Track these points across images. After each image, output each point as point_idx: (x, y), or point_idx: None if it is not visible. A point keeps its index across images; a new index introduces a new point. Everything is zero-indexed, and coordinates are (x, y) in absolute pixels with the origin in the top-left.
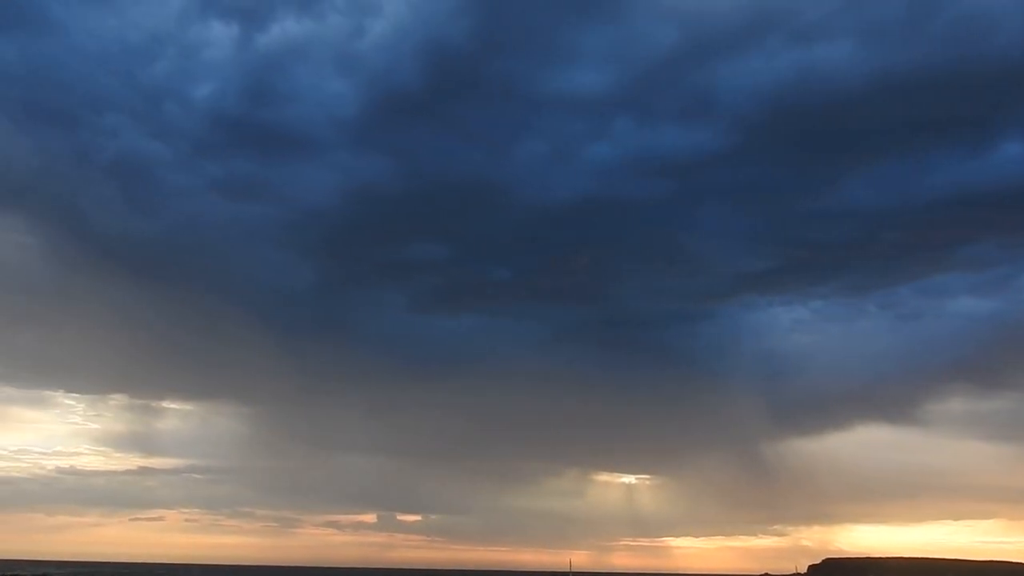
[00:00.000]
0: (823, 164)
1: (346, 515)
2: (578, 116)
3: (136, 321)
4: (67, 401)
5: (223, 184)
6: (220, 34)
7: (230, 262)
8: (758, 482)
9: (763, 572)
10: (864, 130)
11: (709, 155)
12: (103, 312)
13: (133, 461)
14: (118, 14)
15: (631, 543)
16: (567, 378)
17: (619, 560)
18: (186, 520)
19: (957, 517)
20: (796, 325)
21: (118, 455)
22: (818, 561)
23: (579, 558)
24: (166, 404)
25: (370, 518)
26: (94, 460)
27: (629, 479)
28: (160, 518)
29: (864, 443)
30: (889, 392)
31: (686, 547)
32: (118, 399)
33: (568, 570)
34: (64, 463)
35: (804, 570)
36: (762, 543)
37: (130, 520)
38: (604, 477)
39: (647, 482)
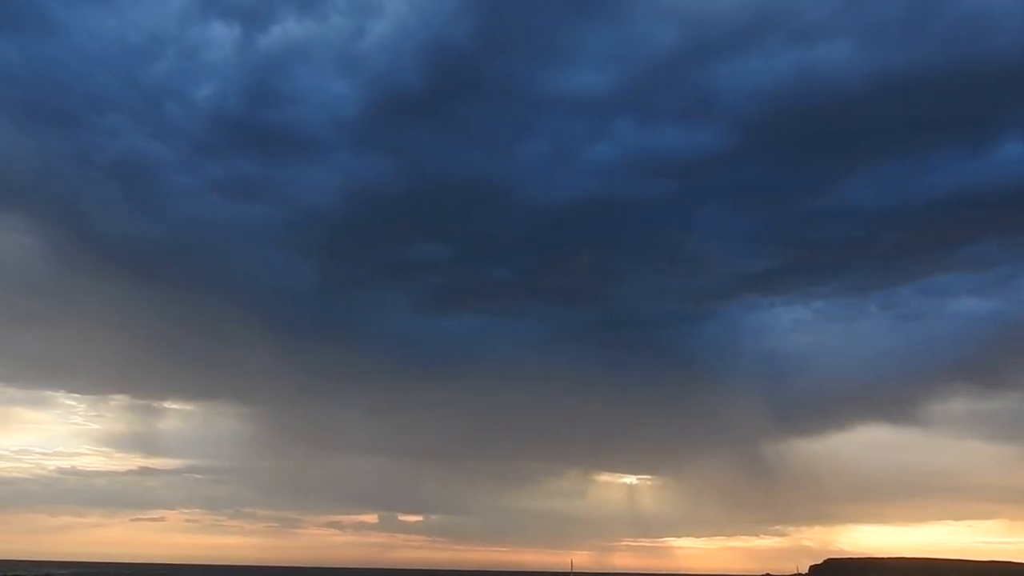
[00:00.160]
0: (823, 164)
1: (347, 515)
2: (579, 116)
3: (137, 321)
4: (68, 402)
5: (224, 184)
6: (221, 35)
7: (231, 262)
8: (759, 482)
9: (764, 572)
10: (864, 130)
11: (709, 155)
12: (104, 312)
13: (134, 461)
14: (119, 14)
15: (632, 543)
16: (568, 378)
17: (620, 560)
18: (187, 520)
19: (958, 517)
20: (797, 325)
21: (119, 455)
22: (819, 561)
23: (580, 558)
24: (167, 404)
25: (371, 518)
26: (95, 460)
27: (630, 479)
28: (161, 518)
29: (865, 443)
30: (890, 392)
31: (687, 547)
32: (119, 399)
33: (569, 570)
34: (65, 463)
35: (805, 570)
36: (763, 543)
37: (131, 520)
38: (605, 477)
39: (648, 482)
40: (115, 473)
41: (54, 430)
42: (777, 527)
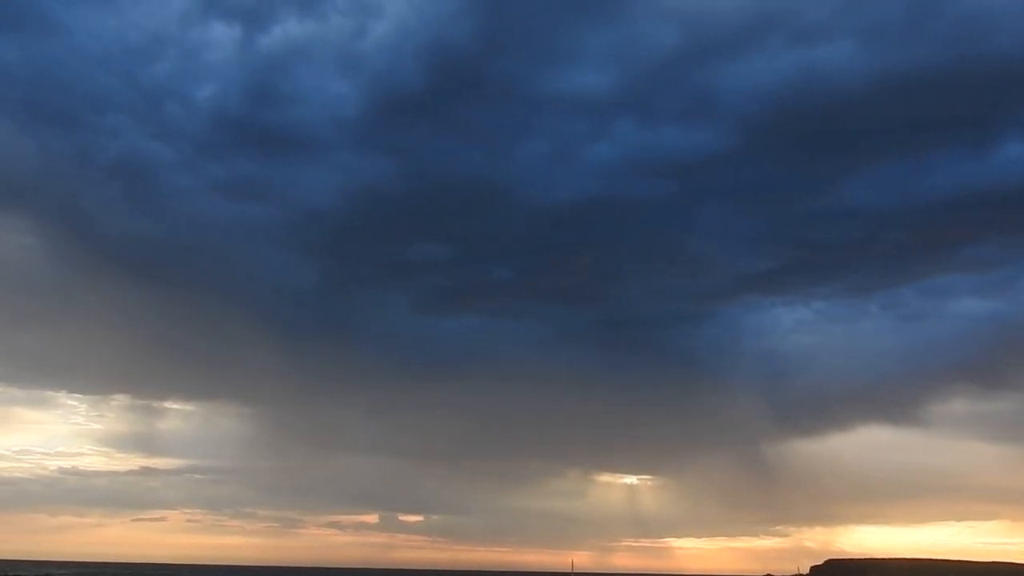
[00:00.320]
0: (824, 164)
1: (348, 515)
2: (579, 116)
3: (138, 322)
4: (69, 402)
5: (225, 185)
6: (222, 35)
7: (232, 262)
8: (760, 483)
9: (765, 573)
10: (865, 130)
11: (710, 155)
12: (105, 313)
13: (135, 461)
14: (119, 15)
15: (633, 544)
16: (568, 378)
17: (621, 561)
18: (188, 520)
19: (960, 518)
20: (798, 326)
21: (120, 455)
22: (820, 562)
23: (581, 559)
24: (168, 404)
25: (372, 518)
26: (96, 460)
27: (631, 479)
28: (162, 518)
29: (866, 444)
30: (891, 393)
31: (688, 548)
32: (120, 399)
33: (570, 570)
34: (66, 463)
35: (806, 571)
36: (764, 544)
37: (132, 520)
38: (606, 477)
39: (649, 483)
40: (116, 473)
41: (55, 430)
42: (778, 527)
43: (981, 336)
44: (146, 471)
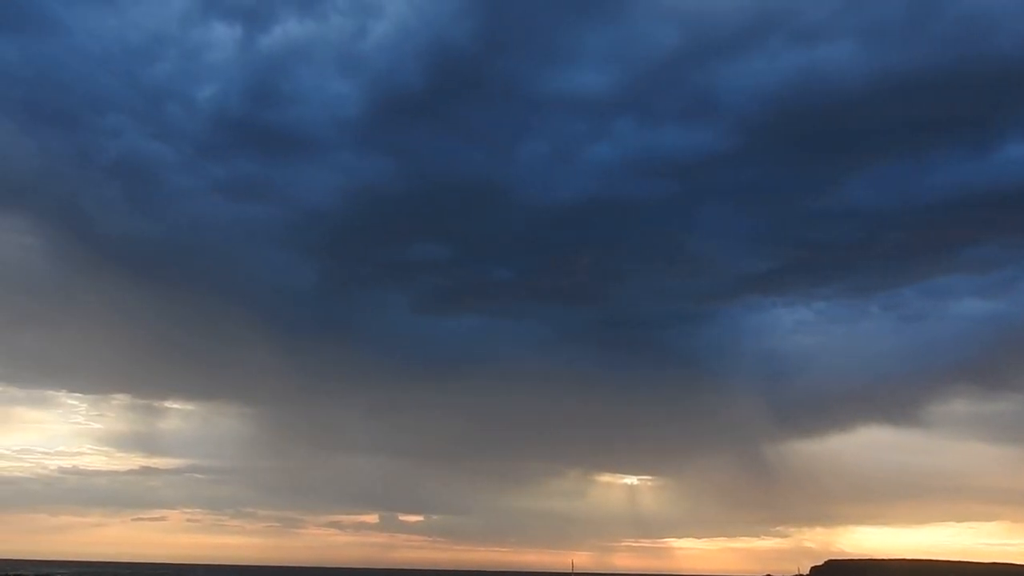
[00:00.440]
0: (825, 164)
1: (348, 515)
2: (579, 116)
3: (138, 321)
4: (70, 401)
5: (225, 185)
6: (222, 35)
7: (232, 263)
8: (760, 483)
9: (765, 573)
10: (865, 130)
11: (710, 155)
12: (105, 312)
13: (135, 461)
14: (119, 15)
15: (633, 544)
16: (568, 378)
17: (621, 561)
18: (188, 520)
19: (960, 519)
20: (799, 326)
21: (120, 455)
22: (820, 562)
23: (581, 559)
24: (168, 404)
25: (372, 518)
26: (96, 460)
27: (631, 480)
28: (162, 518)
29: (867, 444)
30: (892, 393)
31: (688, 548)
32: (121, 399)
33: (570, 571)
34: (67, 463)
35: (806, 571)
36: (764, 544)
37: (132, 520)
38: (606, 478)
39: (649, 483)
40: (116, 473)
41: (55, 429)
42: (778, 528)
43: (982, 337)
44: (146, 471)
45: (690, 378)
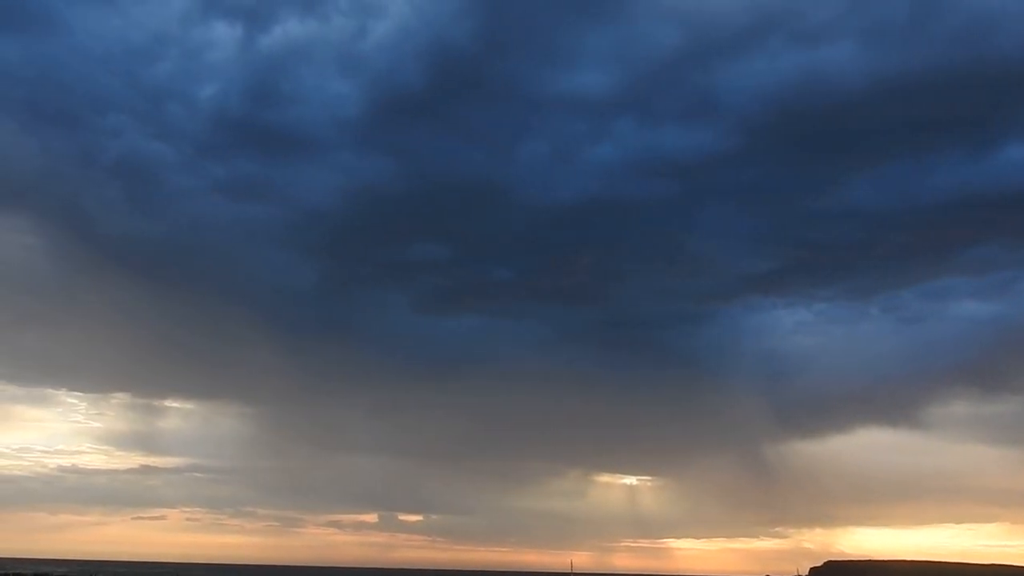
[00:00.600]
0: (825, 165)
1: (348, 515)
2: (580, 117)
3: (139, 320)
4: (69, 400)
5: (226, 185)
6: (223, 35)
7: (233, 262)
8: (760, 484)
9: (764, 574)
10: (866, 131)
11: (711, 156)
12: (106, 312)
13: (135, 460)
14: (121, 15)
15: (632, 544)
16: (568, 378)
17: (620, 561)
18: (188, 519)
19: (959, 520)
20: (799, 327)
21: (120, 454)
22: (819, 563)
23: (580, 559)
24: (168, 403)
25: (372, 518)
26: (96, 459)
27: (631, 480)
28: (162, 517)
29: (866, 446)
30: (891, 395)
31: (687, 548)
32: (120, 398)
33: (569, 571)
34: (66, 462)
35: (805, 572)
36: (763, 545)
37: (132, 519)
38: (606, 478)
39: (648, 483)
40: (116, 471)
41: (55, 428)
42: (777, 529)
43: (981, 338)
44: (146, 469)
45: (690, 378)
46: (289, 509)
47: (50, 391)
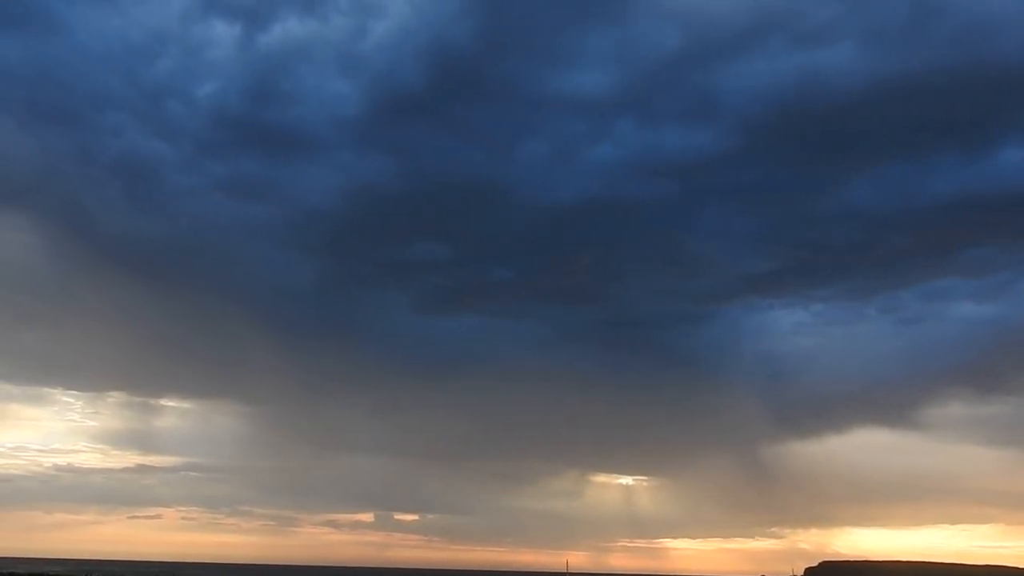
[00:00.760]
0: (825, 166)
1: (344, 514)
2: (580, 117)
3: (136, 319)
4: (65, 398)
5: (225, 184)
6: (222, 33)
7: (232, 261)
8: (756, 484)
9: (760, 574)
10: (865, 133)
11: (711, 156)
12: (103, 310)
13: (131, 459)
14: (121, 13)
15: (629, 544)
16: (567, 378)
17: (617, 561)
18: (184, 518)
19: (955, 521)
20: (797, 328)
21: (116, 453)
22: (815, 564)
23: (577, 559)
24: (165, 402)
25: (368, 517)
26: (92, 458)
27: (627, 480)
28: (158, 516)
29: (863, 446)
30: (888, 396)
31: (683, 548)
32: (117, 396)
33: (565, 571)
34: (62, 460)
35: (801, 572)
36: (759, 545)
37: (128, 518)
38: (602, 478)
39: (645, 483)
40: (112, 470)
41: (51, 427)
42: (773, 529)
43: (979, 340)
44: (142, 469)
45: (688, 379)
46: (285, 508)
47: (46, 390)
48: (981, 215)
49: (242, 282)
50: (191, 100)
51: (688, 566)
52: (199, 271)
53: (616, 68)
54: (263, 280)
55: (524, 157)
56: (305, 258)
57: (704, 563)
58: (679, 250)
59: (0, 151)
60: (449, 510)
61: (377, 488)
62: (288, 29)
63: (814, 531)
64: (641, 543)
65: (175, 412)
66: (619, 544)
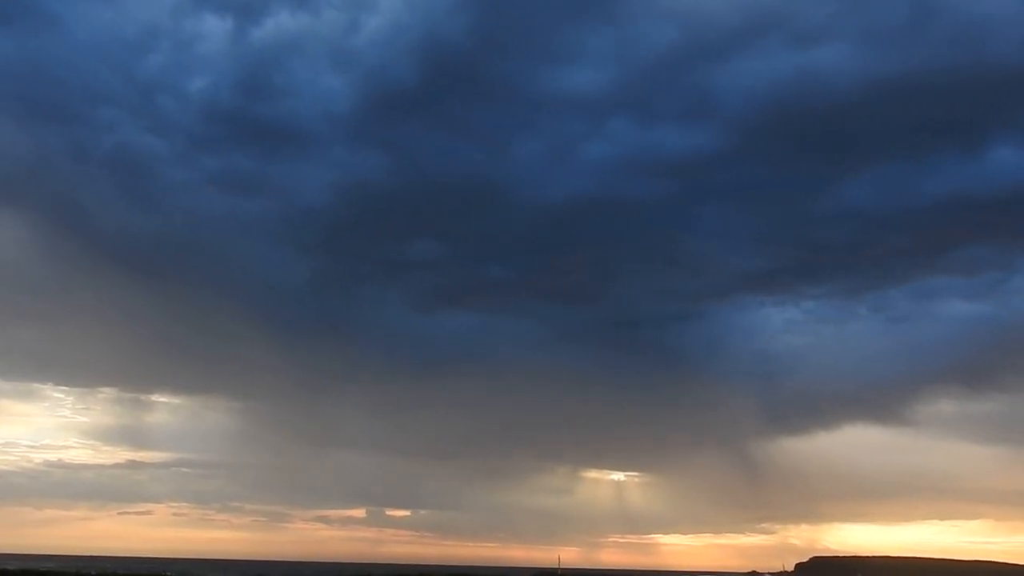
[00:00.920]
0: (820, 166)
1: (335, 510)
2: (577, 115)
3: (128, 315)
4: (56, 394)
5: (218, 179)
6: (214, 27)
7: (225, 257)
8: (747, 480)
9: (751, 570)
10: (861, 133)
11: (707, 156)
12: (95, 306)
13: (122, 455)
14: (113, 7)
15: (620, 540)
16: (561, 376)
17: (608, 557)
18: (175, 514)
19: (944, 517)
20: (788, 326)
21: (107, 449)
22: (806, 559)
23: (568, 554)
24: (156, 398)
25: (359, 513)
26: (82, 454)
27: (618, 476)
28: (149, 512)
29: (853, 443)
30: (879, 393)
31: (675, 544)
32: (107, 392)
33: (557, 566)
34: (52, 456)
35: (792, 568)
36: (750, 541)
37: (119, 514)
38: (593, 474)
39: (636, 479)
40: (102, 466)
41: (41, 423)
42: (764, 525)
43: (969, 338)
44: (133, 464)
45: (680, 376)
46: (276, 504)
47: (36, 385)
48: (975, 215)
49: (235, 277)
50: (183, 95)
51: (679, 562)
52: (191, 266)
53: (613, 67)
54: (256, 276)
55: (520, 155)
56: (298, 253)
57: (695, 559)
58: (676, 249)
59: None
60: (441, 506)
61: (369, 484)
62: (280, 23)
63: (805, 527)
64: (632, 539)
65: (166, 408)
66: (611, 540)
